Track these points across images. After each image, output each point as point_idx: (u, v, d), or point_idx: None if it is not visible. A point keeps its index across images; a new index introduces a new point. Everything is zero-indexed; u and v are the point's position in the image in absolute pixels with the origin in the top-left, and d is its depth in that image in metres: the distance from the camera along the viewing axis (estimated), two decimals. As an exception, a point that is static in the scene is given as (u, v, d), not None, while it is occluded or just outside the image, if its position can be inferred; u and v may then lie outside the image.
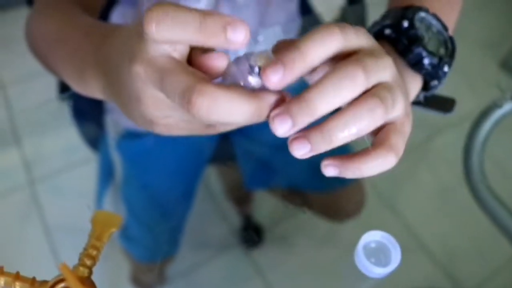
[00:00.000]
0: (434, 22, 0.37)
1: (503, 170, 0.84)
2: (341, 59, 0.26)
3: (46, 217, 1.12)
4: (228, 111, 0.23)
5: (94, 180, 0.82)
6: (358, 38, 0.26)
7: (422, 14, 0.36)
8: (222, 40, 0.23)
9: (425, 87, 0.38)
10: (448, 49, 0.37)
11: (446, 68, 0.36)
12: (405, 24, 0.35)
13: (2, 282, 0.31)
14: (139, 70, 0.25)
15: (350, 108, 0.25)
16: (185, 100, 0.22)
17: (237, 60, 0.25)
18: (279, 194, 0.91)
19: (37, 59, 0.48)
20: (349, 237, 1.01)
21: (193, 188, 0.75)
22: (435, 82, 0.37)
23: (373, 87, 0.26)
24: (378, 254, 0.39)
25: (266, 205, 1.09)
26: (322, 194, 0.76)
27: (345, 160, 0.26)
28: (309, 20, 0.70)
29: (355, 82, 0.24)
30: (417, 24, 0.35)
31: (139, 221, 0.71)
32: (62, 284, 0.31)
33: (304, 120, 0.24)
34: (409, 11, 0.36)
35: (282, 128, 0.24)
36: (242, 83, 0.24)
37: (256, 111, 0.23)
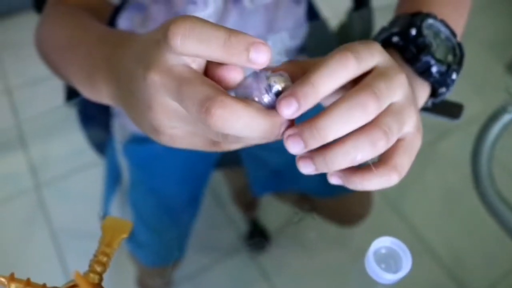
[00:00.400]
0: (442, 28, 0.37)
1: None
2: (355, 81, 0.26)
3: (53, 221, 1.13)
4: (244, 125, 0.23)
5: (101, 184, 0.82)
6: (372, 58, 0.26)
7: (430, 21, 0.36)
8: (244, 59, 0.23)
9: (433, 94, 0.38)
10: (457, 56, 0.37)
11: (454, 76, 0.36)
12: (413, 32, 0.35)
13: (13, 289, 0.31)
14: (155, 78, 0.25)
15: (352, 138, 0.25)
16: (204, 109, 0.23)
17: (256, 75, 0.25)
18: (286, 199, 0.91)
19: (47, 65, 0.48)
20: (357, 241, 1.01)
21: (200, 192, 0.75)
22: (443, 90, 0.37)
23: (382, 111, 0.26)
24: (388, 260, 0.38)
25: (272, 209, 1.08)
26: (329, 199, 0.76)
27: (349, 174, 0.27)
28: (316, 26, 0.70)
29: (367, 111, 0.25)
30: (425, 31, 0.35)
31: (146, 226, 0.71)
32: (73, 291, 0.31)
33: (315, 144, 0.25)
34: (417, 18, 0.36)
35: (295, 148, 0.25)
36: (256, 99, 0.25)
37: (270, 128, 0.24)
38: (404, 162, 0.27)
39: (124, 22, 0.64)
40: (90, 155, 0.89)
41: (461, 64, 0.37)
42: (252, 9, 0.57)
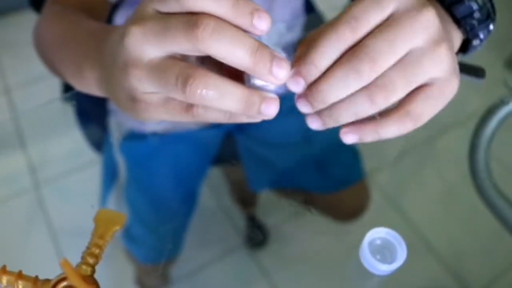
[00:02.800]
0: None
1: (509, 168, 0.84)
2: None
3: (52, 220, 1.12)
4: (220, 90, 0.24)
5: (100, 182, 0.82)
6: (381, 11, 0.26)
7: None
8: (248, 23, 0.24)
9: (463, 48, 0.36)
10: (493, 6, 0.35)
11: (491, 26, 0.34)
12: None
13: (5, 281, 0.31)
14: (135, 29, 0.25)
15: (351, 95, 0.26)
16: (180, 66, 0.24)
17: None
18: (284, 194, 0.91)
19: (44, 64, 0.49)
20: (355, 236, 1.01)
21: (197, 188, 0.75)
22: (477, 42, 0.35)
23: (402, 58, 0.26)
24: (383, 251, 0.38)
25: (270, 204, 1.08)
26: (326, 194, 0.76)
27: (363, 125, 0.27)
28: (312, 19, 0.70)
29: (361, 77, 0.25)
30: None
31: (142, 222, 0.71)
32: (65, 283, 0.31)
33: (320, 106, 0.26)
34: None
35: (304, 109, 0.27)
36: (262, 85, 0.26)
37: (245, 98, 0.24)
38: (422, 109, 0.27)
39: (120, 19, 0.64)
40: (89, 154, 0.89)
41: (495, 17, 0.35)
42: None
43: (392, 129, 0.27)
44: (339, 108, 0.26)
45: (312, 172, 0.74)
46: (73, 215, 1.13)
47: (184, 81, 0.23)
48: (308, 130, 0.28)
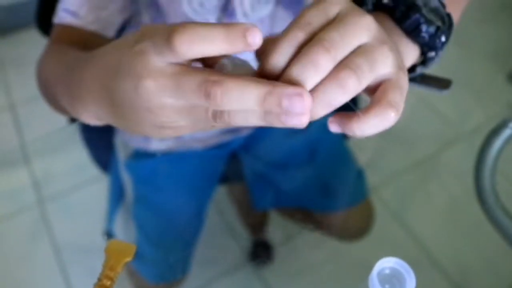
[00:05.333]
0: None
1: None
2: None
3: (56, 236, 1.13)
4: (239, 95, 0.25)
5: (104, 198, 0.82)
6: (325, 12, 0.27)
7: None
8: (244, 46, 0.25)
9: (423, 61, 0.38)
10: (445, 23, 0.36)
11: (443, 38, 0.35)
12: None
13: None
14: (150, 84, 0.26)
15: (321, 84, 0.26)
16: (203, 91, 0.25)
17: (220, 65, 0.29)
18: (287, 214, 0.91)
19: (47, 101, 0.50)
20: (360, 255, 1.00)
21: (204, 207, 0.75)
22: (432, 54, 0.36)
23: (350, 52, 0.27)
24: (392, 280, 0.38)
25: (276, 222, 1.08)
26: (330, 214, 0.76)
27: (348, 119, 0.27)
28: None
29: (319, 68, 0.26)
30: None
31: (150, 242, 0.71)
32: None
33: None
34: None
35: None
36: None
37: (264, 94, 0.25)
38: (396, 97, 0.27)
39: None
40: (93, 170, 0.89)
41: (450, 30, 0.36)
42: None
43: (377, 122, 0.27)
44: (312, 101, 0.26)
45: (316, 192, 0.74)
46: (77, 231, 1.13)
47: (205, 95, 0.25)
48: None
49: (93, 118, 0.36)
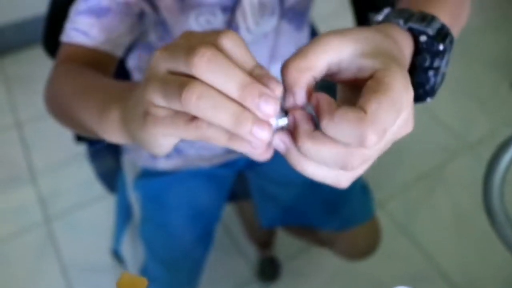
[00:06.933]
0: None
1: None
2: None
3: (63, 254, 1.13)
4: (214, 102, 0.24)
5: (110, 216, 0.83)
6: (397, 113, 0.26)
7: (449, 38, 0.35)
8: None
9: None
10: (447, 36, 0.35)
11: (441, 47, 0.34)
12: (441, 47, 0.34)
13: None
14: (157, 52, 0.27)
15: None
16: (182, 90, 0.25)
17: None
18: (294, 232, 0.91)
19: (57, 119, 0.50)
20: (368, 270, 1.00)
21: (212, 226, 0.75)
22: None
23: None
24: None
25: (283, 239, 1.08)
26: (336, 233, 0.76)
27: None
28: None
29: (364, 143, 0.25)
30: (446, 54, 0.35)
31: (158, 261, 0.71)
32: None
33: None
34: (447, 37, 0.35)
35: (280, 149, 0.27)
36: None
37: (238, 113, 0.25)
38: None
39: (132, 61, 0.65)
40: (99, 188, 0.90)
41: (451, 46, 0.36)
42: (251, 38, 0.57)
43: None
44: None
45: (322, 210, 0.74)
46: (83, 249, 1.13)
47: (180, 90, 0.24)
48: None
49: (115, 126, 0.36)
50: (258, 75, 0.25)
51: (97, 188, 0.93)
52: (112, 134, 0.37)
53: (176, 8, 0.53)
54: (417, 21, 0.34)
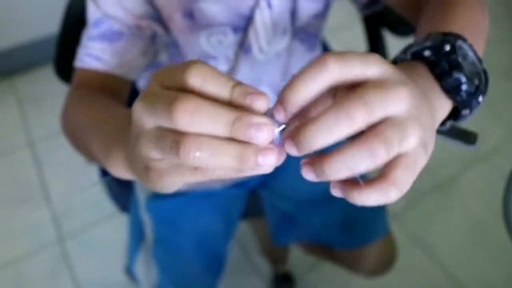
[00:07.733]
0: (470, 53, 0.36)
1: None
2: (348, 88, 0.27)
3: (76, 272, 1.13)
4: (212, 151, 0.24)
5: (123, 234, 0.82)
6: (364, 66, 0.26)
7: (460, 42, 0.35)
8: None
9: (455, 115, 0.36)
10: (482, 81, 0.36)
11: (480, 98, 0.34)
12: (447, 47, 0.34)
13: None
14: (139, 104, 0.26)
15: (352, 147, 0.25)
16: (170, 113, 0.24)
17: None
18: (308, 248, 0.90)
19: (73, 145, 0.50)
20: (384, 284, 0.98)
21: (225, 246, 0.75)
22: (466, 111, 0.35)
23: (381, 121, 0.26)
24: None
25: (297, 254, 1.07)
26: (350, 250, 0.75)
27: (350, 187, 0.27)
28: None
29: (354, 121, 0.25)
30: (458, 50, 0.34)
31: (171, 281, 0.71)
32: None
33: (304, 151, 0.26)
34: (450, 37, 0.35)
35: (291, 151, 0.26)
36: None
37: (240, 153, 0.24)
38: (405, 178, 0.26)
39: (142, 81, 0.65)
40: (112, 207, 0.90)
41: (486, 89, 0.35)
42: (264, 59, 0.57)
43: (376, 197, 0.26)
44: (335, 159, 0.25)
45: (336, 228, 0.73)
46: (97, 268, 1.13)
47: (177, 147, 0.24)
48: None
49: (120, 167, 0.36)
50: (240, 95, 0.25)
51: (110, 206, 0.93)
52: (119, 173, 0.37)
53: (187, 29, 0.53)
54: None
